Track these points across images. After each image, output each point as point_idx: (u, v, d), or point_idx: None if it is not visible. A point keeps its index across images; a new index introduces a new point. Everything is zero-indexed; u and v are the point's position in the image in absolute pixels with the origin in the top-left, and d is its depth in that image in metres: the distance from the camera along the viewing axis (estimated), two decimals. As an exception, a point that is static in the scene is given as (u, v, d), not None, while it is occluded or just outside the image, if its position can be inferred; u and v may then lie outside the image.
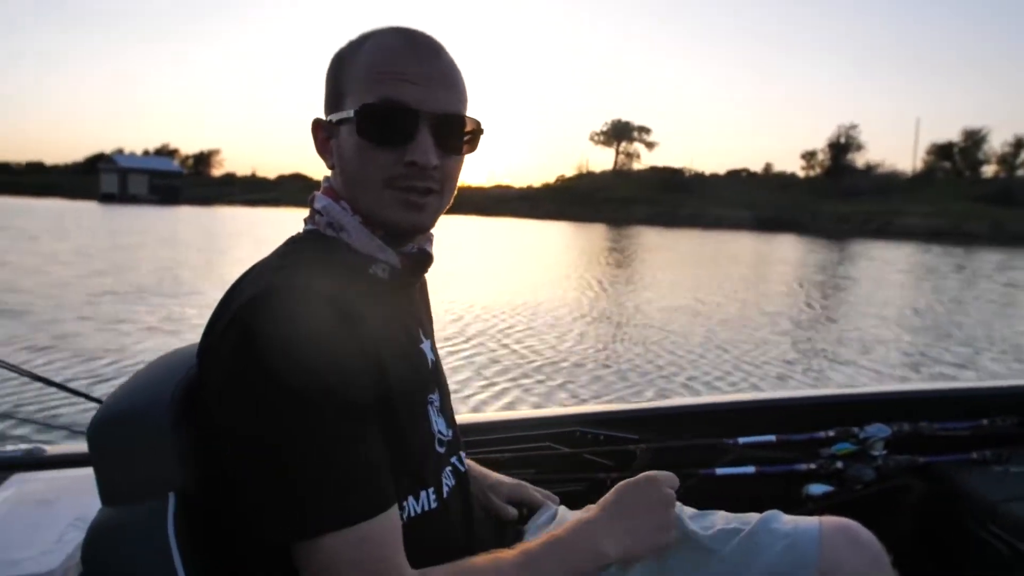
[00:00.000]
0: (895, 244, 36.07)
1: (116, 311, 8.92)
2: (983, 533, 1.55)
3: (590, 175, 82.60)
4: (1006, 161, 69.65)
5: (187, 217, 44.10)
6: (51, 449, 1.40)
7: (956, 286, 16.69)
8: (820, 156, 76.66)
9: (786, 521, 0.96)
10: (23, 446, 1.41)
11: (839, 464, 1.66)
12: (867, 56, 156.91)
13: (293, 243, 0.87)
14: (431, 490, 0.86)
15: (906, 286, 16.68)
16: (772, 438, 1.66)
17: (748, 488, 1.46)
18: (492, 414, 1.27)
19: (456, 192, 0.90)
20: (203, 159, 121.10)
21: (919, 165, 75.23)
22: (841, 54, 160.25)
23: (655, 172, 77.94)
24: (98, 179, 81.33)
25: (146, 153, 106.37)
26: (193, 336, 0.85)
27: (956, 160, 73.48)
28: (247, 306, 0.72)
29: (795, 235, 44.09)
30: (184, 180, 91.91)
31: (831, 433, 1.69)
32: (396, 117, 0.80)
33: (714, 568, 0.92)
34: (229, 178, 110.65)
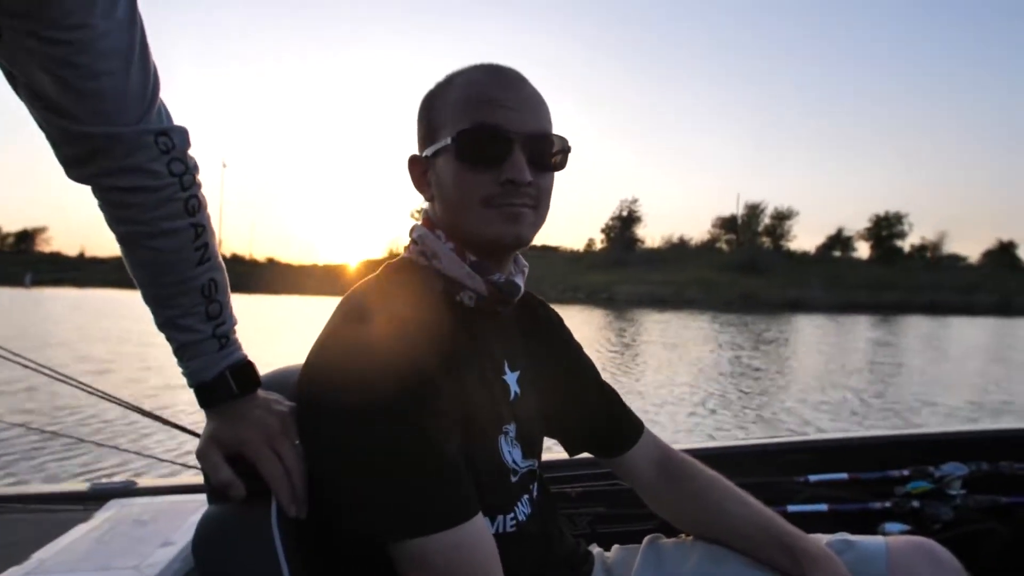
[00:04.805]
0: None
1: None
2: None
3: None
4: (770, 232, 73.17)
5: None
6: (142, 481, 1.60)
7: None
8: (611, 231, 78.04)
9: (852, 539, 1.01)
10: (118, 478, 1.63)
11: (915, 503, 1.64)
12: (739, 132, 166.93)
13: (387, 269, 0.92)
14: (509, 516, 0.90)
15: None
16: (844, 476, 1.66)
17: (822, 526, 1.32)
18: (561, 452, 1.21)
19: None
20: (27, 236, 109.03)
21: (706, 236, 78.12)
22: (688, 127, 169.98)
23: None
24: None
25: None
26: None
27: (739, 231, 76.80)
28: (342, 322, 0.82)
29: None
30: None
31: (905, 472, 1.68)
32: (491, 139, 0.85)
33: None
34: (33, 257, 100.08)
